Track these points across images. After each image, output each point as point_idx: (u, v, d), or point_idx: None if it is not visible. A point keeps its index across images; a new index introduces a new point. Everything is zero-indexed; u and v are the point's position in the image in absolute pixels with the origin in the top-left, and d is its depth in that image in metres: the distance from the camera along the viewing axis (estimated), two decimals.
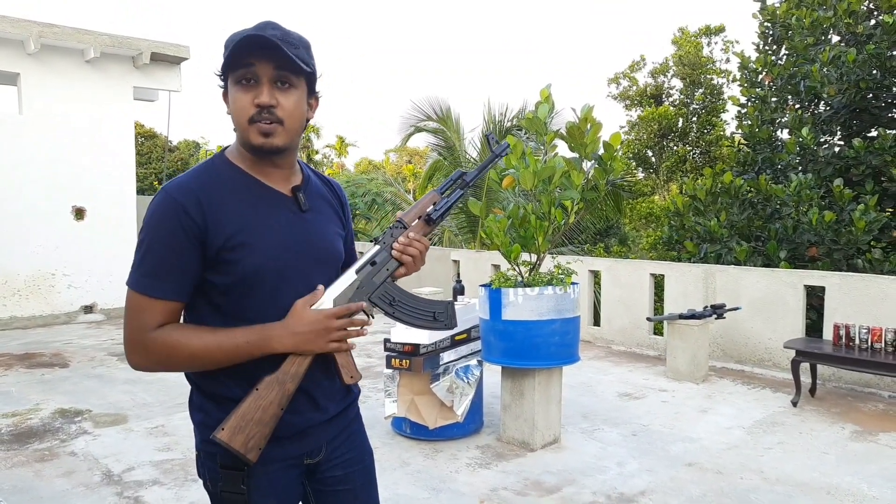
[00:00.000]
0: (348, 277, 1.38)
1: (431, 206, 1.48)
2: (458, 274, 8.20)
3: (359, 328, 1.36)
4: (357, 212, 13.91)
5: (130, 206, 8.84)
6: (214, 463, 1.32)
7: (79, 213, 8.40)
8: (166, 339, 1.25)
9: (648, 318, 6.43)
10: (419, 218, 1.47)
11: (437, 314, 1.49)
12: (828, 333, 5.28)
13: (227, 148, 1.37)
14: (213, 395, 1.33)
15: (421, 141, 18.31)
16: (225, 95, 1.30)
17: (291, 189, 1.36)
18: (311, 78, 1.32)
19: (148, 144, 36.20)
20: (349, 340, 1.35)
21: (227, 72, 1.27)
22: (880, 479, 3.46)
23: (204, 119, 50.24)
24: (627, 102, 19.07)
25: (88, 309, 8.53)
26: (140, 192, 10.24)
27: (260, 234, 1.28)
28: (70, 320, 8.36)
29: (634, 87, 19.07)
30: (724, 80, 17.45)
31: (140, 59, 8.52)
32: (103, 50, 8.15)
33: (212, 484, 1.36)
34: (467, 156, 12.57)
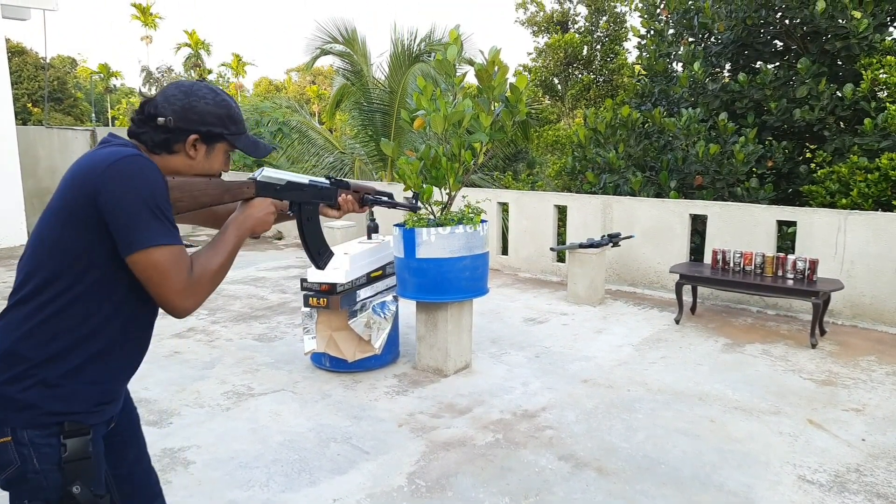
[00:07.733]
0: (303, 178, 1.71)
1: (371, 195, 1.86)
2: (372, 212, 8.26)
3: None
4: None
5: (10, 139, 8.14)
6: (55, 437, 1.35)
7: None
8: (199, 270, 1.44)
9: (552, 248, 6.83)
10: (358, 193, 1.84)
11: (321, 253, 1.80)
12: (708, 257, 5.87)
13: (138, 151, 1.46)
14: (75, 367, 1.37)
15: (327, 62, 17.63)
16: (197, 141, 1.51)
17: None
18: None
19: (17, 61, 32.46)
20: None
21: (224, 141, 1.56)
22: (742, 384, 4.02)
23: (79, 35, 45.51)
24: (535, 28, 19.08)
25: None
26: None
27: None
28: None
29: (542, 13, 19.07)
30: (627, 8, 17.76)
31: None
32: None
33: (43, 462, 1.34)
34: (375, 81, 12.31)
